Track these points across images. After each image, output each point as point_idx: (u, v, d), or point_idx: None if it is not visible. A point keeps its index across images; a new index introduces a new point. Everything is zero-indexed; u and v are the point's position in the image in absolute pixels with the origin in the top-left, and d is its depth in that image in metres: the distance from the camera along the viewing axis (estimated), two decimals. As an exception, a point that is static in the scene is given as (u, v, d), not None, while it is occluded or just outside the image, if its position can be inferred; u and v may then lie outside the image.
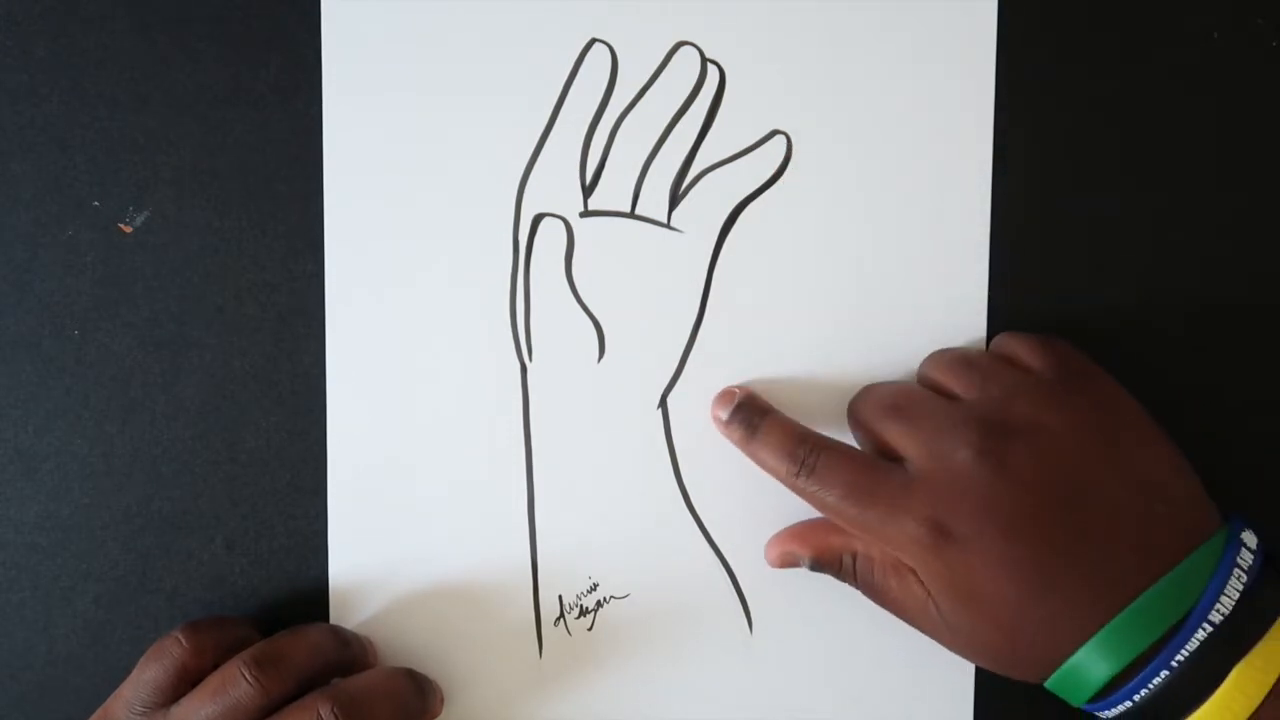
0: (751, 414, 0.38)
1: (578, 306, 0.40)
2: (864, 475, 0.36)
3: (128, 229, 0.40)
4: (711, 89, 0.40)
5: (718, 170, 0.40)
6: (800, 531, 0.39)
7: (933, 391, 0.37)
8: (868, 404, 0.38)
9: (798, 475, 0.36)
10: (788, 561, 0.39)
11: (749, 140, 0.40)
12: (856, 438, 0.38)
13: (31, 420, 0.40)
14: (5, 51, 0.40)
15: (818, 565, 0.38)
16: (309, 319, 0.40)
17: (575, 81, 0.40)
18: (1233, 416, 0.40)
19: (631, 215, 0.40)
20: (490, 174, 0.40)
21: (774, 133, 0.40)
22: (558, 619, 0.40)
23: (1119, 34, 0.40)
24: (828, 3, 0.39)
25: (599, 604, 0.40)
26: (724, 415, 0.39)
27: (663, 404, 0.40)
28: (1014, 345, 0.38)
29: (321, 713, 0.35)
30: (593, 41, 0.40)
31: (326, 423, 0.40)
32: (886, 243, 0.40)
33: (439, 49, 0.40)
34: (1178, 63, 0.40)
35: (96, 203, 0.40)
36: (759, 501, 0.40)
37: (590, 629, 0.41)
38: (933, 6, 0.39)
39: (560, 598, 0.40)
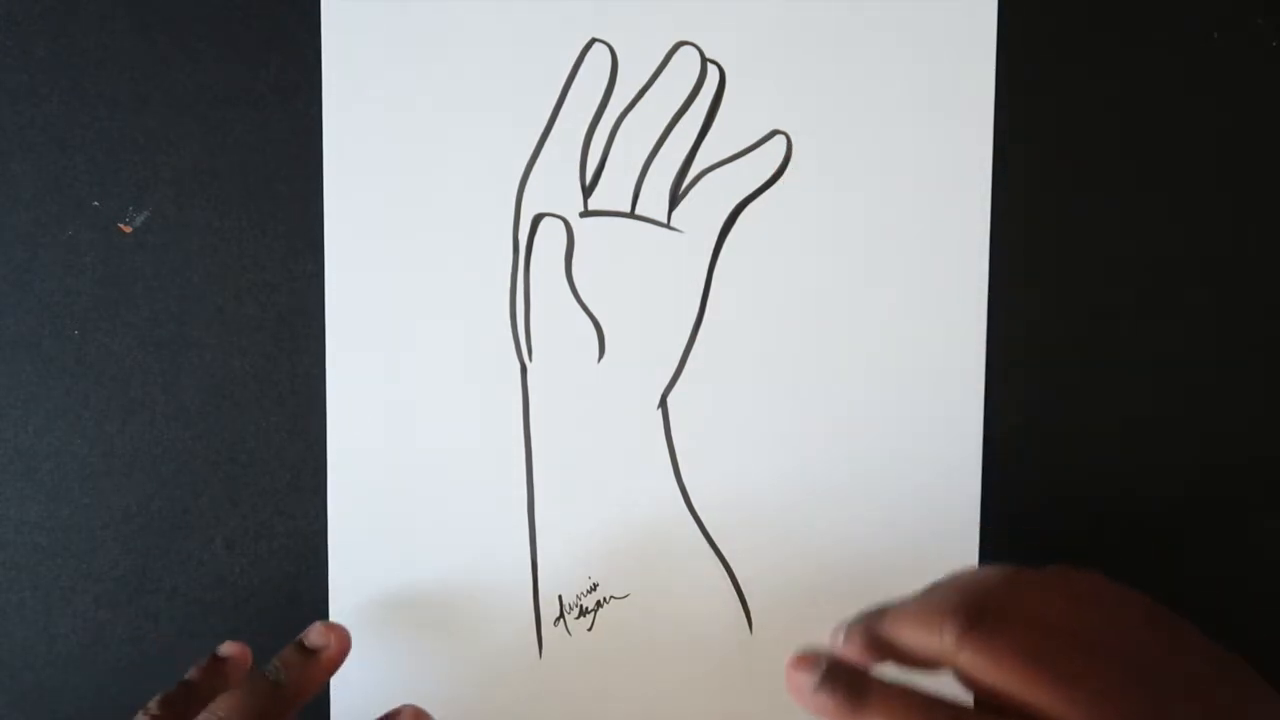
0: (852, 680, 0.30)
1: (578, 306, 0.40)
2: None
3: (128, 229, 0.40)
4: (711, 89, 0.40)
5: (718, 170, 0.40)
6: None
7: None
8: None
9: None
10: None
11: (749, 140, 0.40)
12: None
13: (31, 420, 0.40)
14: (5, 51, 0.40)
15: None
16: (309, 319, 0.40)
17: (575, 81, 0.40)
18: (1234, 418, 0.40)
19: (631, 215, 0.40)
20: (490, 174, 0.40)
21: (774, 133, 0.40)
22: (558, 619, 0.40)
23: (1119, 34, 0.40)
24: (828, 3, 0.39)
25: (599, 604, 0.40)
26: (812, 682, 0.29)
27: (663, 404, 0.40)
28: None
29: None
30: (593, 41, 0.40)
31: (326, 423, 0.40)
32: (886, 242, 0.40)
33: (439, 49, 0.40)
34: (1178, 63, 0.40)
35: (96, 203, 0.40)
36: (759, 502, 0.40)
37: (590, 629, 0.41)
38: (933, 7, 0.39)
39: (560, 598, 0.40)
